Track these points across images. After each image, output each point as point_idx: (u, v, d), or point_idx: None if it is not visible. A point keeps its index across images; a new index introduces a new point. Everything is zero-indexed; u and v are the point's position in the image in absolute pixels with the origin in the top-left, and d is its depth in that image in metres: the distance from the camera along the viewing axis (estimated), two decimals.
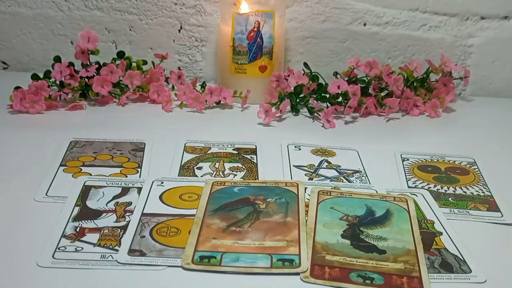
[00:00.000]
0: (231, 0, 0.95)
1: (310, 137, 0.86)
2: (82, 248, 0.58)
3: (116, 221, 0.62)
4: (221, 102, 0.96)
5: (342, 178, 0.75)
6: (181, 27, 1.07)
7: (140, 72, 0.97)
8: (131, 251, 0.57)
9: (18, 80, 0.96)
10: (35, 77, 0.96)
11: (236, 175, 0.74)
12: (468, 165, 0.80)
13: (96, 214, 0.64)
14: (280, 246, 0.58)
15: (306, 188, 0.70)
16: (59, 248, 0.57)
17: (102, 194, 0.68)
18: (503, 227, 0.66)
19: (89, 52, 0.95)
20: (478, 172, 0.78)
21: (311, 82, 0.97)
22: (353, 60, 0.97)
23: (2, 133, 0.83)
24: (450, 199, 0.71)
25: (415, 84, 1.00)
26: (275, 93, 0.94)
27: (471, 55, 1.08)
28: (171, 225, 0.62)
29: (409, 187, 0.74)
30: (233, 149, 0.81)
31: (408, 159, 0.81)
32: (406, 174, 0.77)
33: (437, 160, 0.81)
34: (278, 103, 0.93)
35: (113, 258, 0.56)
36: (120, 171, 0.74)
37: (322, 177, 0.75)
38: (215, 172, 0.75)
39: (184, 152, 0.80)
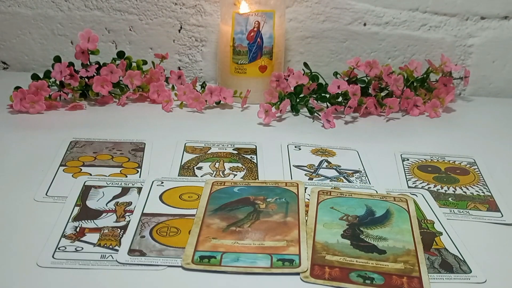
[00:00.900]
0: (231, 0, 0.95)
1: (310, 137, 0.86)
2: (82, 248, 0.58)
3: (116, 221, 0.62)
4: (221, 102, 0.96)
5: (342, 178, 0.75)
6: (181, 27, 1.07)
7: (140, 72, 0.97)
8: (131, 251, 0.57)
9: (18, 80, 0.96)
10: (35, 77, 0.96)
11: (236, 175, 0.74)
12: (468, 165, 0.80)
13: (96, 214, 0.64)
14: (280, 246, 0.58)
15: (306, 188, 0.70)
16: (59, 248, 0.57)
17: (102, 194, 0.68)
18: (503, 227, 0.66)
19: (89, 52, 0.95)
20: (478, 172, 0.78)
21: (311, 82, 0.97)
22: (353, 60, 0.97)
23: (2, 133, 0.83)
24: (450, 199, 0.71)
25: (415, 84, 0.99)
26: (275, 93, 0.94)
27: (471, 55, 1.08)
28: (171, 225, 0.62)
29: (409, 187, 0.74)
30: (233, 149, 0.81)
31: (408, 159, 0.81)
32: (406, 174, 0.77)
33: (437, 160, 0.81)
34: (278, 103, 0.93)
35: (113, 258, 0.56)
36: (120, 171, 0.74)
37: (322, 177, 0.75)
38: (215, 172, 0.75)
39: (184, 152, 0.80)
